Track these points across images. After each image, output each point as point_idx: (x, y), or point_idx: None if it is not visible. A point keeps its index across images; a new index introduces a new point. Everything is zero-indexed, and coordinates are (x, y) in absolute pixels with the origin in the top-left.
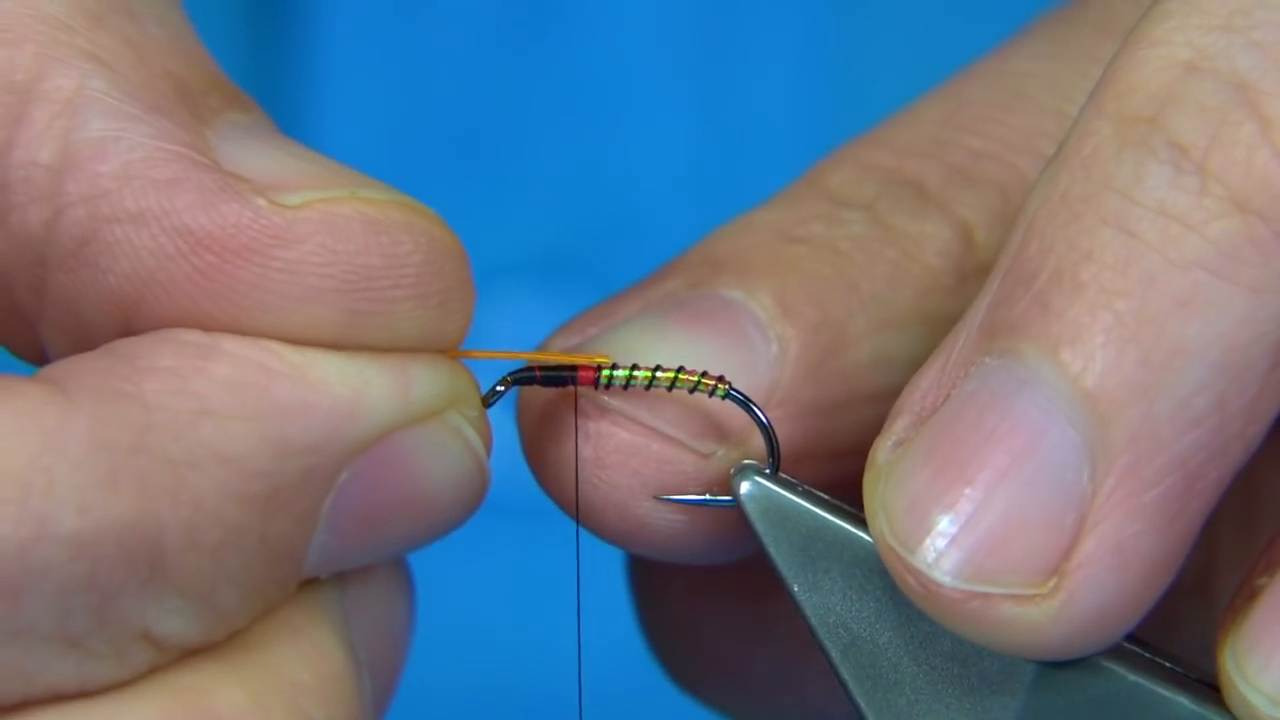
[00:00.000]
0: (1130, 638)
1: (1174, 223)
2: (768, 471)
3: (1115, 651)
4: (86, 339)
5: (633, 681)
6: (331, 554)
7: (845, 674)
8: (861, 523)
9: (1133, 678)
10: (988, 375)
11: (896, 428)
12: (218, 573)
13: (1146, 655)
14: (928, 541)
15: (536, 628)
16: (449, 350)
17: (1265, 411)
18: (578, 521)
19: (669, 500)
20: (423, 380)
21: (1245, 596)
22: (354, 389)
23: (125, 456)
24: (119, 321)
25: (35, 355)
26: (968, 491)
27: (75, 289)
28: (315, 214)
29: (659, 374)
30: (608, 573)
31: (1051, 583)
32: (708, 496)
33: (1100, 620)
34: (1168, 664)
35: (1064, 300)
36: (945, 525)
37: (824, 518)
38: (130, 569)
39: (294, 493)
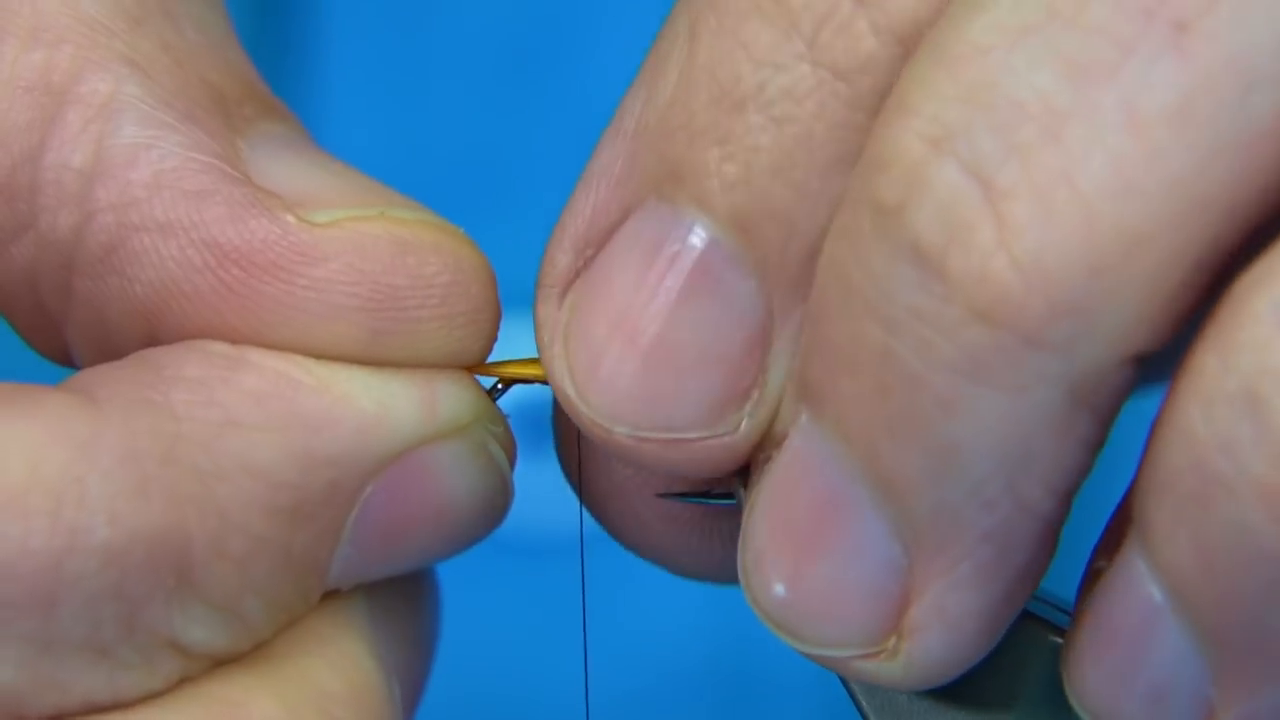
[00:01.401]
0: None
1: (925, 327)
2: None
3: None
4: (112, 345)
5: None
6: (355, 566)
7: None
8: None
9: None
10: (805, 437)
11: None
12: (244, 583)
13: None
14: (767, 607)
15: (538, 667)
16: (474, 366)
17: (1062, 477)
18: (579, 522)
19: (669, 498)
20: (448, 395)
21: (1087, 582)
22: (380, 403)
23: (156, 466)
24: (144, 330)
25: (63, 357)
26: (794, 558)
27: (101, 295)
28: (343, 232)
29: None
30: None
31: (892, 641)
32: (707, 495)
33: (949, 665)
34: None
35: (848, 385)
36: (779, 591)
37: None
38: (158, 578)
39: (319, 505)
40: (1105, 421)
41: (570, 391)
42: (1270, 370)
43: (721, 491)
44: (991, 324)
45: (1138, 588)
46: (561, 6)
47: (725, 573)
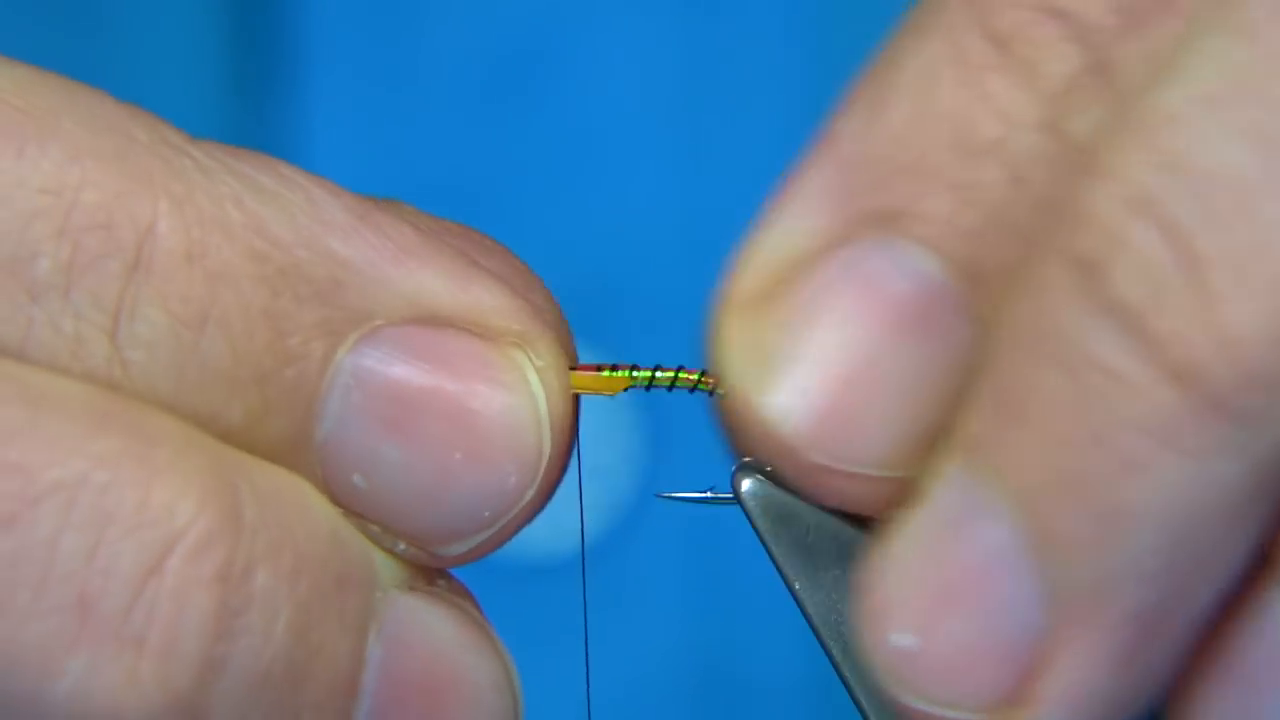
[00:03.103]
0: None
1: (1118, 384)
2: (769, 469)
3: None
4: None
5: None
6: None
7: (846, 672)
8: (864, 522)
9: None
10: (960, 490)
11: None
12: (207, 305)
13: None
14: (888, 658)
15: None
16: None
17: (1222, 571)
18: (581, 523)
19: (669, 498)
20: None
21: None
22: None
23: None
24: None
25: None
26: (927, 613)
27: None
28: None
29: (659, 374)
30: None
31: (1011, 711)
32: (709, 494)
33: None
34: None
35: (1021, 438)
36: (904, 643)
37: (825, 515)
38: (113, 244)
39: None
40: (1276, 521)
41: (764, 414)
42: None
43: (723, 492)
44: (1185, 386)
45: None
46: (546, 25)
47: None
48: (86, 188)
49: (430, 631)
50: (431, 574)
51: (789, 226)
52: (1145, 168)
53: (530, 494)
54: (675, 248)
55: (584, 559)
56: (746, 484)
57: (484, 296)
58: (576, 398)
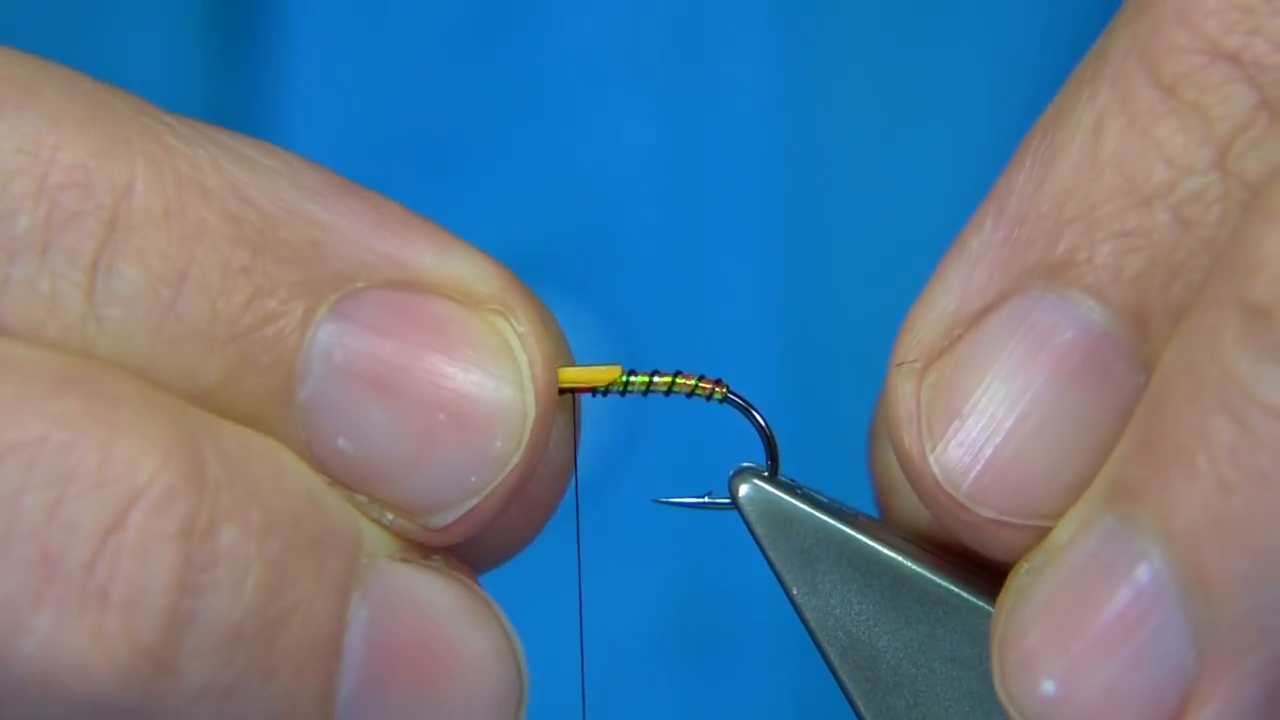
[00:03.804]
0: None
1: None
2: (766, 474)
3: None
4: None
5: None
6: None
7: (844, 676)
8: (860, 525)
9: None
10: (1110, 537)
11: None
12: (179, 265)
13: None
14: (1035, 706)
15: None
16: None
17: None
18: (579, 526)
19: (666, 503)
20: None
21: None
22: None
23: None
24: None
25: None
26: (1074, 658)
27: None
28: None
29: (655, 379)
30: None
31: None
32: (706, 500)
33: None
34: None
35: (1182, 482)
36: (1049, 689)
37: (823, 520)
38: (92, 202)
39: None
40: None
41: (934, 470)
42: None
43: (721, 497)
44: None
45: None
46: None
47: None
48: (64, 148)
49: (423, 601)
50: (426, 550)
51: (957, 283)
52: None
53: (516, 459)
54: (656, 197)
55: (580, 559)
56: (744, 490)
57: (466, 264)
58: (574, 396)
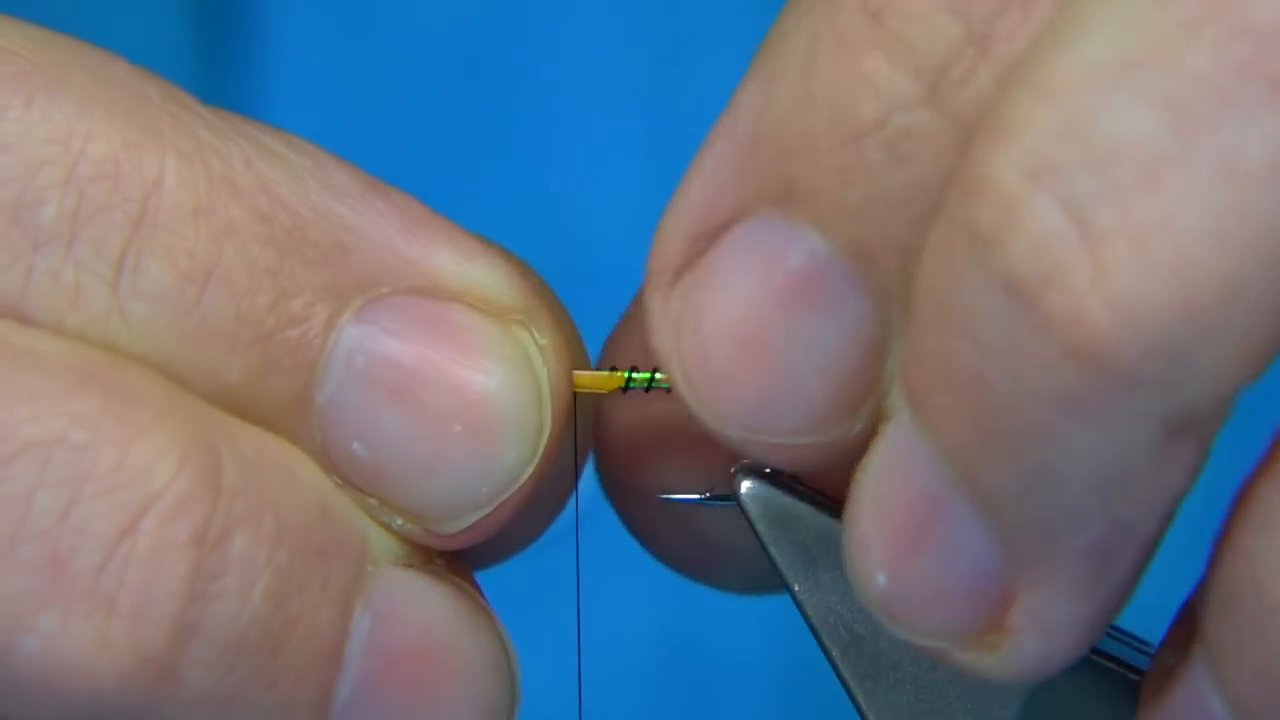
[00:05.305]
0: (1125, 633)
1: (1018, 359)
2: (768, 471)
3: (1114, 640)
4: None
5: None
6: None
7: (846, 673)
8: None
9: (1134, 677)
10: (907, 437)
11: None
12: (205, 265)
13: (1149, 650)
14: (873, 596)
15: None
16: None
17: (1165, 502)
18: (578, 526)
19: (671, 500)
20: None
21: (1155, 675)
22: None
23: None
24: None
25: None
26: (894, 553)
27: None
28: None
29: (658, 375)
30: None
31: (992, 637)
32: (708, 496)
33: (1044, 664)
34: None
35: (944, 399)
36: (881, 581)
37: (824, 517)
38: (120, 195)
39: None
40: (1206, 444)
41: (682, 383)
42: None
43: (722, 494)
44: (1085, 363)
45: (1203, 701)
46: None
47: (734, 577)
48: (95, 139)
49: (423, 607)
50: (429, 552)
51: (696, 200)
52: (1047, 135)
53: (528, 472)
54: (641, 224)
55: (579, 563)
56: (746, 486)
57: (489, 272)
58: (574, 396)
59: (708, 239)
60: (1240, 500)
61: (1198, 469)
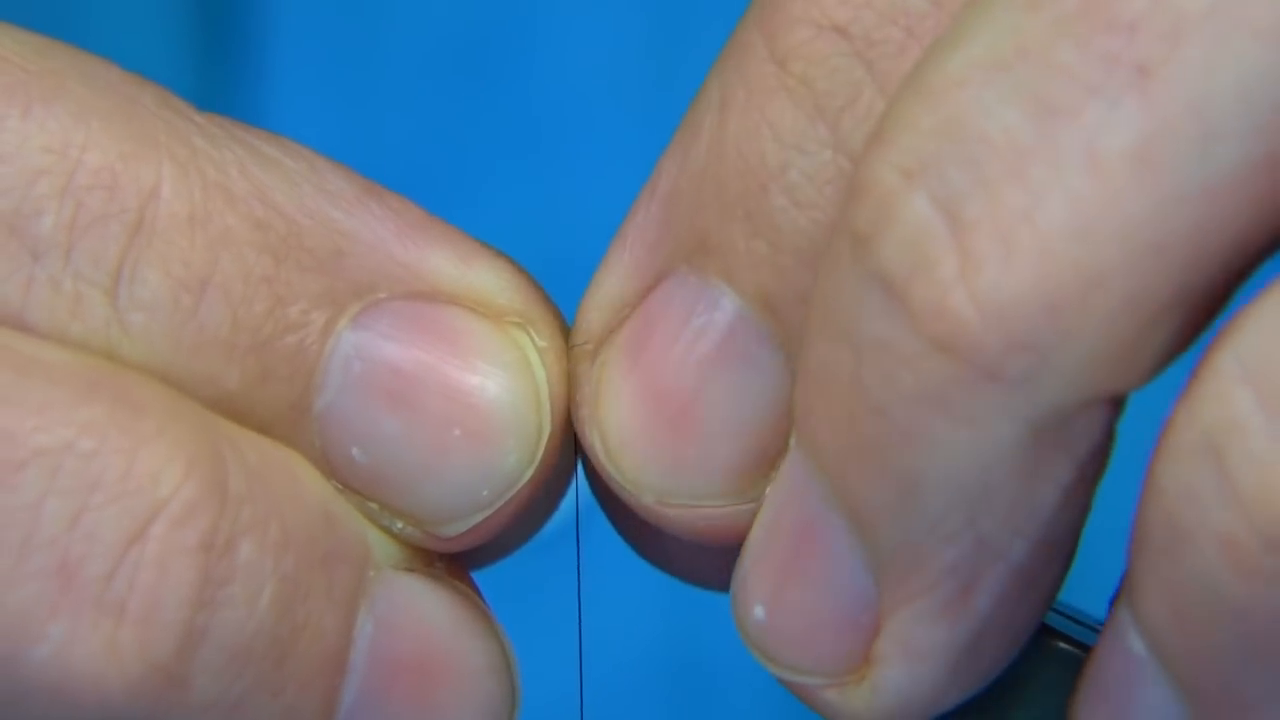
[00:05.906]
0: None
1: (889, 356)
2: None
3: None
4: None
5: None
6: None
7: None
8: None
9: None
10: (790, 464)
11: None
12: (204, 269)
13: None
14: (749, 631)
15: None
16: None
17: (1031, 521)
18: (578, 527)
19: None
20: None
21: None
22: None
23: None
24: None
25: None
26: (773, 585)
27: None
28: None
29: None
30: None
31: (860, 672)
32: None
33: (914, 699)
34: None
35: (821, 410)
36: (759, 614)
37: None
38: (118, 204)
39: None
40: (1083, 465)
41: (600, 455)
42: (1228, 422)
43: None
44: (950, 355)
45: (1123, 639)
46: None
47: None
48: (91, 148)
49: (424, 612)
50: (430, 555)
51: (619, 265)
52: (921, 134)
53: (529, 474)
54: None
55: (579, 563)
56: None
57: (487, 275)
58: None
59: (630, 306)
60: (1158, 440)
61: (1073, 496)
